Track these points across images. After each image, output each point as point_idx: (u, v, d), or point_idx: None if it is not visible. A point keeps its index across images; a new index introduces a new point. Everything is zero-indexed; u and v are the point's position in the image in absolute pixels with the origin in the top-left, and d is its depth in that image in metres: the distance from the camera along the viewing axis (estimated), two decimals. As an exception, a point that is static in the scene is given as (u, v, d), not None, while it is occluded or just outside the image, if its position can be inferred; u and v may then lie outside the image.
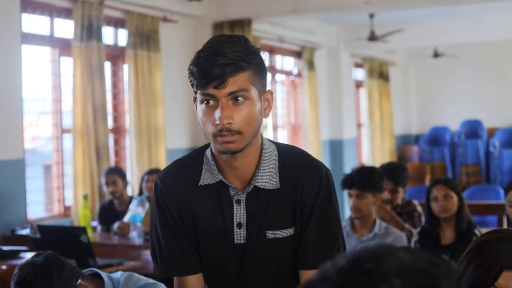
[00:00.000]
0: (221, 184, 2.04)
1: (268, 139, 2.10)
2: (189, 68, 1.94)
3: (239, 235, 2.04)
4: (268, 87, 2.04)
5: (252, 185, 2.02)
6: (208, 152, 2.07)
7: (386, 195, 5.02)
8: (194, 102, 2.01)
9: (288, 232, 2.04)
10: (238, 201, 2.03)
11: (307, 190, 2.02)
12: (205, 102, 1.93)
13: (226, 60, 1.88)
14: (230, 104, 1.91)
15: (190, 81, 1.95)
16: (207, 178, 2.05)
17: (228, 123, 1.90)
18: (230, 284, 2.09)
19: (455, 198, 4.23)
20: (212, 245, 2.07)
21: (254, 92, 1.95)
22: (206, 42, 1.96)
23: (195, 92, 1.96)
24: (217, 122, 1.90)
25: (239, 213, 2.03)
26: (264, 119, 2.04)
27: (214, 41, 1.94)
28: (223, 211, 2.04)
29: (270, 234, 2.04)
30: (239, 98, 1.91)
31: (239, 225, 2.04)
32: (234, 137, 1.92)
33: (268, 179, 2.02)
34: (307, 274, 2.05)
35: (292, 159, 2.06)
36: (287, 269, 2.09)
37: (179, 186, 2.07)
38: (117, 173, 6.15)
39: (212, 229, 2.05)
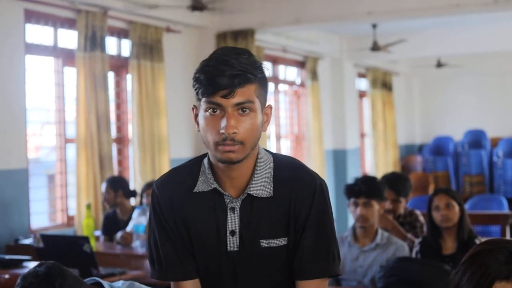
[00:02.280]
0: (215, 191, 2.06)
1: (264, 149, 2.12)
2: (195, 76, 1.97)
3: (232, 243, 2.06)
4: (268, 102, 2.08)
5: (246, 193, 2.04)
6: (205, 160, 2.09)
7: (388, 205, 5.03)
8: (194, 110, 2.03)
9: (282, 241, 2.06)
10: (232, 209, 2.05)
11: (301, 200, 2.04)
12: (210, 110, 1.95)
13: (234, 71, 1.92)
14: (236, 114, 1.94)
15: (195, 89, 1.97)
16: (202, 185, 2.07)
17: (233, 133, 1.93)
18: None
19: (456, 208, 4.24)
20: (206, 252, 2.09)
21: (258, 105, 1.99)
22: (212, 52, 1.99)
23: (199, 100, 1.98)
24: (222, 131, 1.93)
25: (233, 221, 2.05)
26: (264, 130, 2.07)
27: (220, 52, 1.98)
28: (217, 219, 2.06)
29: (264, 243, 2.05)
30: (245, 109, 1.95)
31: (232, 232, 2.05)
32: (236, 147, 1.95)
33: (262, 187, 2.04)
34: (303, 284, 2.06)
35: (287, 169, 2.08)
36: (280, 278, 2.10)
37: (175, 193, 2.09)
38: (108, 183, 6.14)
39: (206, 236, 2.07)
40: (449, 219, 4.22)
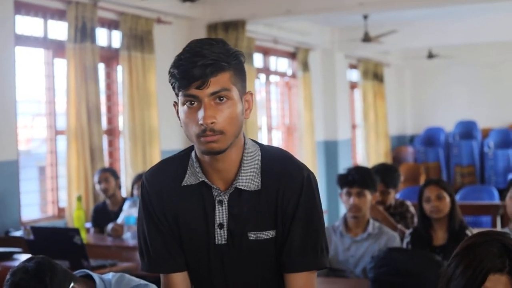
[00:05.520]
0: (204, 184, 2.05)
1: (251, 140, 2.11)
2: (169, 71, 1.96)
3: (220, 236, 2.05)
4: (248, 89, 2.06)
5: (233, 186, 2.03)
6: (193, 153, 2.08)
7: (377, 196, 5.03)
8: (175, 106, 2.02)
9: (270, 233, 2.05)
10: (220, 202, 2.04)
11: (289, 193, 2.02)
12: (187, 103, 1.94)
13: (206, 60, 1.90)
14: (212, 104, 1.92)
15: (171, 84, 1.97)
16: (190, 178, 2.06)
17: (212, 123, 1.91)
18: (213, 284, 2.10)
19: (447, 199, 4.24)
20: (194, 245, 2.08)
21: (235, 92, 1.97)
22: (186, 45, 1.98)
23: (177, 95, 1.97)
24: (201, 122, 1.91)
25: (221, 214, 2.04)
26: (253, 120, 2.05)
27: (193, 44, 1.96)
28: (205, 212, 2.05)
29: (252, 235, 2.04)
30: (222, 98, 1.93)
31: (221, 225, 2.04)
32: (216, 136, 1.93)
33: (250, 180, 2.03)
34: (292, 277, 2.06)
35: (275, 161, 2.07)
36: (269, 271, 2.09)
37: (164, 186, 2.08)
38: (109, 172, 6.17)
39: (194, 229, 2.06)
40: (440, 210, 4.22)
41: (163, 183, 2.09)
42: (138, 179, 5.97)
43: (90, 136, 6.58)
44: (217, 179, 2.04)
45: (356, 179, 4.19)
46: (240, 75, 1.99)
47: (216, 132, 1.92)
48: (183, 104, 1.95)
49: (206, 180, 2.04)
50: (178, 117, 2.01)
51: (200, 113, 1.91)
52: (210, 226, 2.05)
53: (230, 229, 2.04)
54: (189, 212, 2.06)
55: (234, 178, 2.04)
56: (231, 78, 1.95)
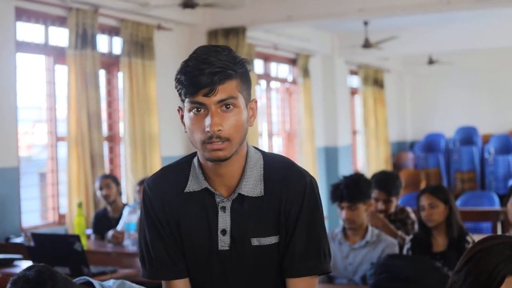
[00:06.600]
0: (206, 191, 2.06)
1: (254, 147, 2.12)
2: (176, 77, 1.97)
3: (223, 242, 2.06)
4: (252, 97, 2.08)
5: (236, 193, 2.04)
6: (195, 160, 2.09)
7: (380, 205, 5.02)
8: (179, 112, 2.04)
9: (273, 239, 2.06)
10: (223, 208, 2.05)
11: (291, 198, 2.04)
12: (194, 110, 1.96)
13: (214, 68, 1.92)
14: (219, 111, 1.94)
15: (178, 90, 1.98)
16: (193, 185, 2.07)
17: (218, 130, 1.93)
18: None
19: (441, 207, 4.22)
20: (197, 251, 2.08)
21: (241, 100, 1.99)
22: (192, 52, 2.00)
23: (183, 101, 1.99)
24: (207, 129, 1.93)
25: (224, 220, 2.05)
26: (253, 127, 2.07)
27: (200, 51, 1.98)
28: (208, 218, 2.06)
29: (255, 241, 2.05)
30: (229, 106, 1.95)
31: (223, 231, 2.05)
32: (223, 144, 1.95)
33: (253, 186, 2.04)
34: (294, 282, 2.06)
35: (277, 167, 2.08)
36: (270, 277, 2.10)
37: (166, 192, 2.09)
38: (110, 178, 6.17)
39: (197, 235, 2.07)
40: (432, 219, 4.20)
41: (165, 190, 2.10)
42: (142, 183, 5.98)
43: (90, 142, 6.58)
44: (220, 185, 2.06)
45: (344, 194, 4.16)
46: (246, 83, 2.01)
47: (222, 139, 1.94)
48: (189, 110, 1.97)
49: (209, 187, 2.05)
50: (182, 122, 2.03)
51: (207, 120, 1.93)
52: (213, 232, 2.06)
53: (233, 235, 2.05)
54: (192, 219, 2.07)
55: (237, 185, 2.05)
56: (237, 86, 1.97)
